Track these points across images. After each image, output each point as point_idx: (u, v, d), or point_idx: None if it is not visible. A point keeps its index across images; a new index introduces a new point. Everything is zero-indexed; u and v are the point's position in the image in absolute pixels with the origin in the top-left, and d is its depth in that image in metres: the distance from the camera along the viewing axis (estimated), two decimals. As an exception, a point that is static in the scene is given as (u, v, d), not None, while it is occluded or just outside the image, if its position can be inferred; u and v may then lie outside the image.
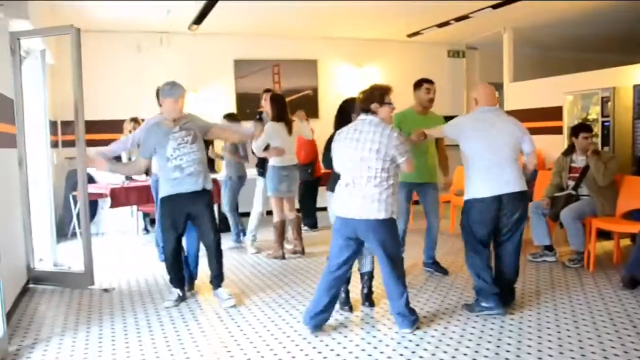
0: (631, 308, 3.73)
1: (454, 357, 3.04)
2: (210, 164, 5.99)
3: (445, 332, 3.39)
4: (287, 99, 5.77)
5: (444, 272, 4.71)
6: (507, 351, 3.08)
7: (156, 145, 3.94)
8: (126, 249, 6.18)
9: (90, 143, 4.94)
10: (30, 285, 4.61)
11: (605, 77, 6.86)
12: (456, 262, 5.01)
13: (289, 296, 4.24)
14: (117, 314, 3.91)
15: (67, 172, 6.68)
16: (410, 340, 3.28)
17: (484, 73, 9.51)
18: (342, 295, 3.81)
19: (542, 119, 7.76)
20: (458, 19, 7.46)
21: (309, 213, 6.90)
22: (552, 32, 8.37)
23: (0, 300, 3.18)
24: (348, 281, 3.81)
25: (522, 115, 7.10)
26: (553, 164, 5.39)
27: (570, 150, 5.20)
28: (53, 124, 6.38)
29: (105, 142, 4.74)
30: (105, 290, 4.49)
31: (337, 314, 3.71)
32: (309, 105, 8.03)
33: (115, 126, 6.68)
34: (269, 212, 5.65)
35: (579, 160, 5.08)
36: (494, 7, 6.78)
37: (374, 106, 3.35)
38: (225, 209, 6.07)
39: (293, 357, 3.10)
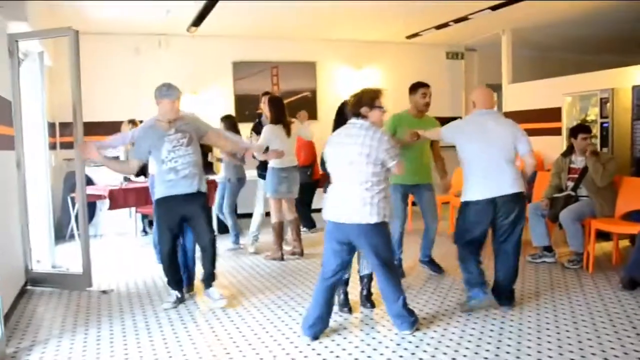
0: (630, 309, 3.72)
1: (453, 358, 3.03)
2: (209, 167, 5.99)
3: (444, 334, 3.39)
4: (286, 101, 5.79)
5: (439, 270, 4.72)
6: (507, 352, 3.07)
7: (151, 147, 3.93)
8: (124, 251, 6.17)
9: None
10: (28, 287, 4.60)
11: (604, 79, 6.86)
12: (455, 263, 4.97)
13: (288, 298, 4.23)
14: (115, 316, 3.90)
15: (65, 174, 6.66)
16: (410, 342, 3.27)
17: (482, 74, 9.52)
18: (341, 296, 3.81)
19: (540, 120, 7.76)
20: (457, 21, 7.47)
21: (304, 215, 6.89)
22: (550, 34, 8.38)
23: (-3, 302, 3.17)
24: (347, 283, 3.81)
25: (520, 116, 7.11)
26: (552, 165, 5.38)
27: (569, 151, 5.20)
28: (51, 126, 6.37)
29: (104, 144, 4.72)
30: (104, 292, 4.48)
31: (337, 316, 3.70)
32: (308, 107, 8.02)
33: (113, 128, 6.62)
34: (267, 214, 5.64)
35: (578, 161, 5.08)
36: (493, 8, 6.79)
37: (364, 110, 3.34)
38: (225, 210, 6.06)
39: (292, 359, 3.09)
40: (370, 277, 3.90)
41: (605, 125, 6.70)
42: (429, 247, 4.76)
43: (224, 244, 6.02)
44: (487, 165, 3.63)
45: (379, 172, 3.25)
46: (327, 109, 7.67)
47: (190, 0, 5.99)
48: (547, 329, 3.41)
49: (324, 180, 4.05)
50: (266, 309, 3.97)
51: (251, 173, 6.08)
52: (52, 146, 6.51)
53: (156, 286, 4.64)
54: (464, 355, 3.06)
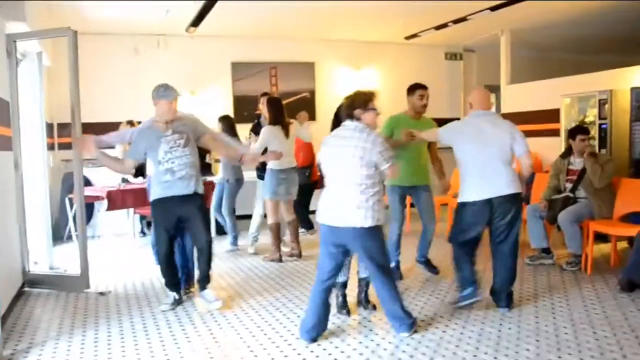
0: (629, 311, 3.72)
1: (451, 361, 3.03)
2: (208, 168, 5.98)
3: (443, 336, 3.38)
4: (285, 102, 5.77)
5: (435, 271, 4.73)
6: (505, 355, 3.07)
7: (147, 148, 3.92)
8: (122, 252, 6.16)
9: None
10: (26, 289, 4.58)
11: (603, 80, 6.86)
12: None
13: (286, 299, 4.22)
14: (113, 318, 3.89)
15: (63, 175, 6.65)
16: (408, 344, 3.26)
17: (481, 75, 9.52)
18: (340, 299, 3.81)
19: (539, 121, 7.76)
20: (456, 21, 7.47)
21: (303, 216, 6.88)
22: (549, 34, 8.38)
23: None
24: (345, 285, 3.80)
25: (519, 117, 7.12)
26: (550, 167, 5.39)
27: (567, 152, 5.21)
28: (49, 127, 6.35)
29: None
30: (101, 293, 4.47)
31: (335, 318, 3.69)
32: (307, 108, 8.00)
33: (111, 129, 6.56)
34: (265, 215, 5.64)
35: (577, 163, 5.08)
36: (492, 9, 6.79)
37: (357, 112, 3.33)
38: (224, 212, 6.05)
39: (290, 361, 3.09)
40: (368, 280, 3.89)
41: (603, 126, 6.71)
42: (425, 248, 4.76)
43: (221, 245, 6.01)
44: (483, 166, 3.65)
45: (372, 175, 3.24)
46: (325, 109, 7.66)
47: (189, 0, 5.99)
48: (546, 331, 3.40)
49: (323, 182, 4.04)
50: (264, 311, 3.97)
51: (250, 174, 6.07)
52: (50, 147, 6.48)
53: (154, 288, 4.63)
54: (463, 358, 3.05)
